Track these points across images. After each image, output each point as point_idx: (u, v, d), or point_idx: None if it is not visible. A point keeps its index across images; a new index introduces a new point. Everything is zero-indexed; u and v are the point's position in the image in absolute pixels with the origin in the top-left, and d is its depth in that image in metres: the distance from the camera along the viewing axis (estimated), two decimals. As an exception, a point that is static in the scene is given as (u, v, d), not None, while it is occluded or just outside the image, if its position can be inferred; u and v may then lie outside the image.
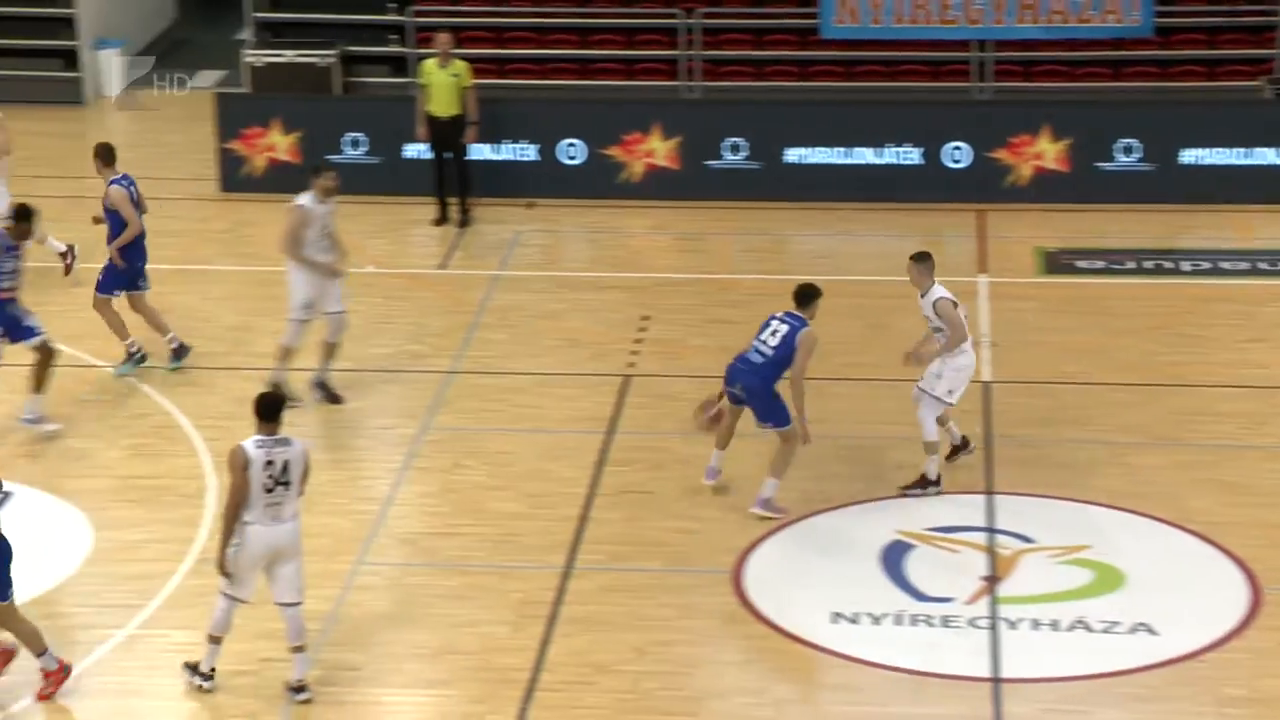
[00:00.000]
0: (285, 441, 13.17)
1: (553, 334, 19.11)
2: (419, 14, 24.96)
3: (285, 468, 13.13)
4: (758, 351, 15.47)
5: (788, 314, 15.51)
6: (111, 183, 17.81)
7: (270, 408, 13.20)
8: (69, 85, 25.15)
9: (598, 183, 22.40)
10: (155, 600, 14.51)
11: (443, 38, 21.42)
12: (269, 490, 13.11)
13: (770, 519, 15.55)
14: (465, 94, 21.22)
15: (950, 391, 15.82)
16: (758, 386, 15.44)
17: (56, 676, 13.38)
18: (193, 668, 13.56)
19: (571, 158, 22.50)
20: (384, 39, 25.23)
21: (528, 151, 22.46)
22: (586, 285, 20.26)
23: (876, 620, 14.35)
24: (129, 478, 16.15)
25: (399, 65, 25.11)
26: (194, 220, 21.65)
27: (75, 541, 15.27)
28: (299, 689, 13.42)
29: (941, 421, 16.03)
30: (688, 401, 16.79)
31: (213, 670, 13.52)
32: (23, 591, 14.24)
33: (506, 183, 22.21)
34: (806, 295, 15.53)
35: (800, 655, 14.02)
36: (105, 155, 17.92)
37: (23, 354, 16.92)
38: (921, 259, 15.76)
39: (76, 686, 13.46)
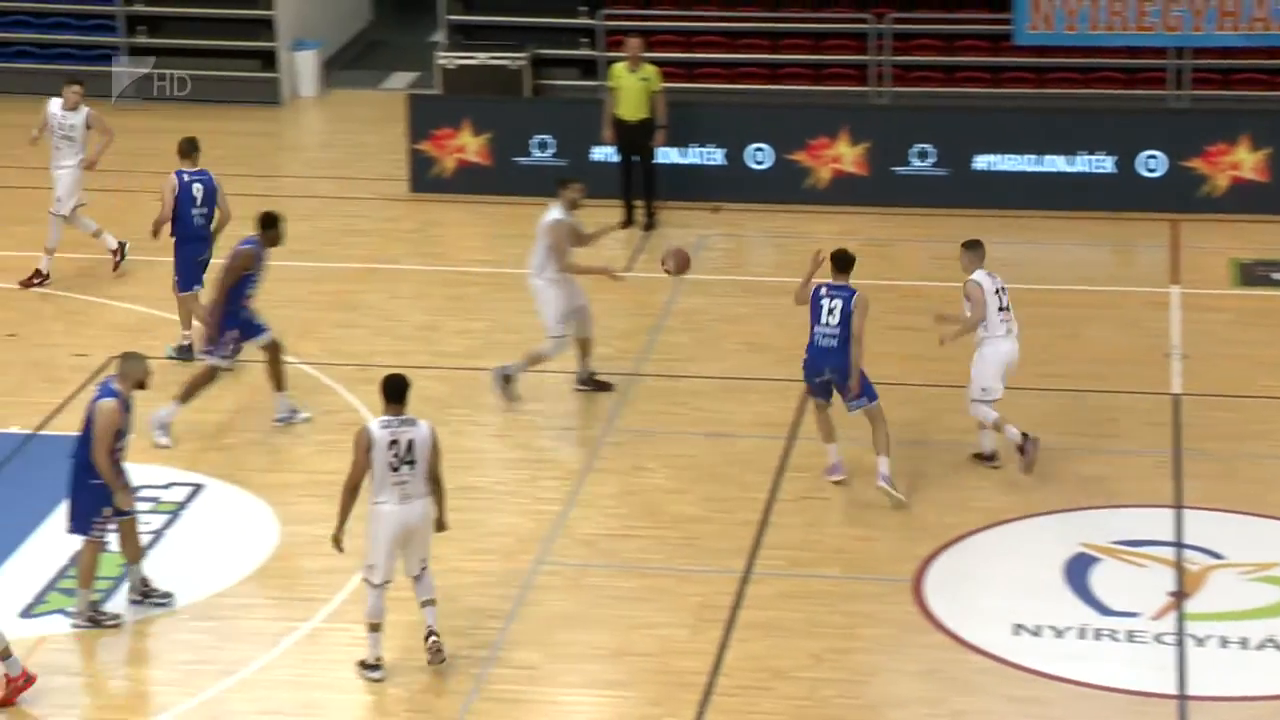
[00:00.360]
0: (410, 422, 13.38)
1: (736, 338, 19.05)
2: (609, 17, 25.03)
3: (410, 447, 13.34)
4: (826, 338, 15.76)
5: (831, 287, 15.74)
6: (175, 173, 18.05)
7: (395, 389, 13.41)
8: (267, 85, 25.51)
9: (784, 188, 22.31)
10: (339, 595, 14.64)
11: (633, 42, 21.44)
12: (394, 469, 13.33)
13: (896, 496, 15.56)
14: (654, 98, 21.22)
15: (984, 390, 16.04)
16: (847, 365, 15.68)
17: (16, 684, 13.27)
18: (363, 665, 13.69)
19: (759, 162, 22.44)
20: (575, 42, 25.34)
21: (715, 155, 22.42)
22: (771, 290, 20.18)
23: (1059, 634, 14.13)
24: (316, 473, 16.32)
25: (589, 68, 25.19)
26: (383, 220, 21.86)
27: (263, 535, 15.46)
28: (431, 634, 13.73)
29: (997, 426, 16.08)
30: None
31: (379, 659, 13.67)
32: (212, 583, 14.49)
33: (693, 186, 22.19)
34: (845, 262, 15.83)
35: (980, 667, 13.85)
36: (181, 148, 18.19)
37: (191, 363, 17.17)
38: (972, 246, 16.24)
39: (262, 678, 13.62)
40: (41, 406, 17.26)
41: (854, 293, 15.74)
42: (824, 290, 15.84)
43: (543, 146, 22.55)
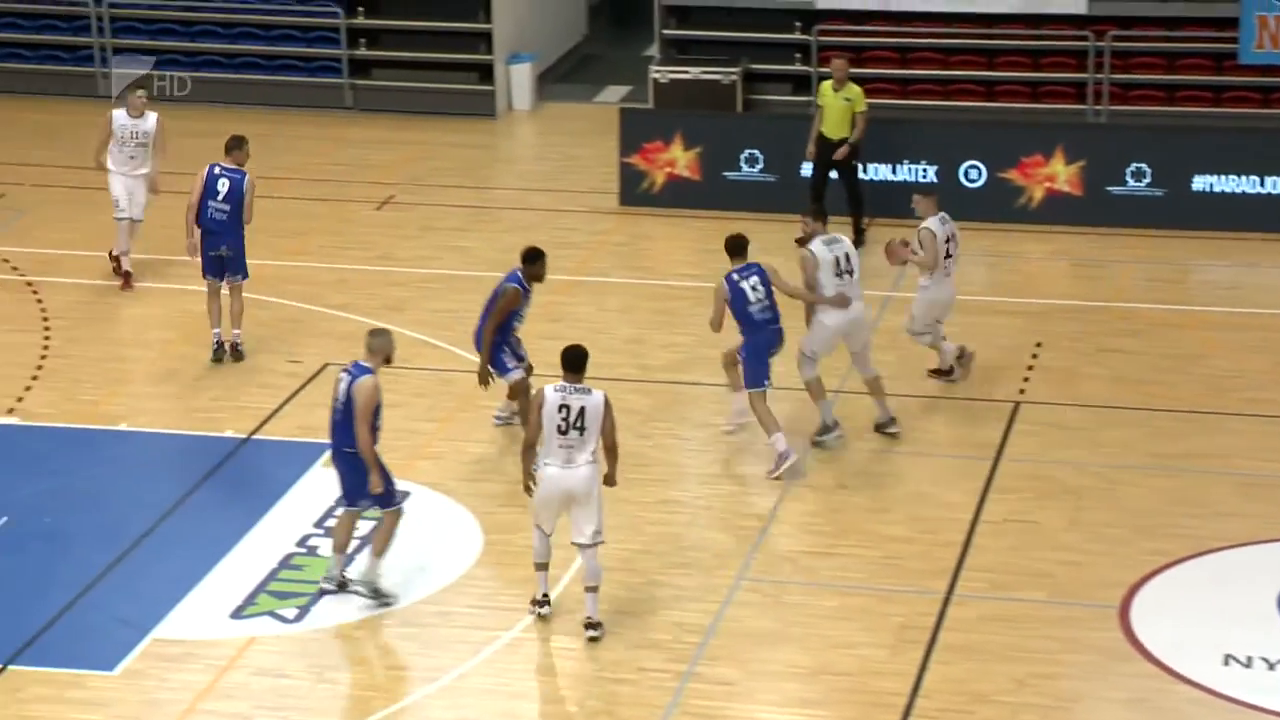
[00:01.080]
0: (585, 391, 13.95)
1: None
2: (823, 33, 24.92)
3: (580, 414, 13.83)
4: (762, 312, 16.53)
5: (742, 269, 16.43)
6: (209, 165, 18.42)
7: (573, 359, 14.04)
8: (483, 98, 25.73)
9: (996, 206, 22.03)
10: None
11: (837, 63, 21.32)
12: (562, 433, 13.90)
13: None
14: (857, 118, 21.08)
15: (913, 318, 17.71)
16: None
17: None
18: (533, 601, 14.36)
19: (971, 180, 22.18)
20: (789, 57, 25.26)
21: (927, 173, 22.20)
22: (980, 309, 19.92)
23: (1272, 666, 13.77)
24: (519, 483, 16.35)
25: (802, 84, 25.11)
26: (592, 233, 21.93)
27: (467, 544, 15.56)
28: (591, 625, 14.13)
29: (935, 346, 17.73)
30: (1077, 430, 16.34)
31: (545, 595, 14.33)
32: (415, 590, 14.61)
33: (906, 203, 21.97)
34: (739, 246, 16.58)
35: (1189, 697, 13.53)
36: (226, 144, 18.53)
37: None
38: (927, 192, 17.87)
39: (462, 686, 13.70)
40: (256, 412, 17.53)
41: (761, 268, 16.48)
42: (736, 276, 16.37)
43: (752, 161, 22.48)
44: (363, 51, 25.84)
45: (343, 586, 14.70)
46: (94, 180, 22.27)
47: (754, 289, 16.38)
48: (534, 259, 16.44)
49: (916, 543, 15.47)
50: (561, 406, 13.87)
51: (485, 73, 25.78)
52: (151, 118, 20.15)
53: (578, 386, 13.95)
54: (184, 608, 14.57)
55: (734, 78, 24.64)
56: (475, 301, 19.67)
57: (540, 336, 19.09)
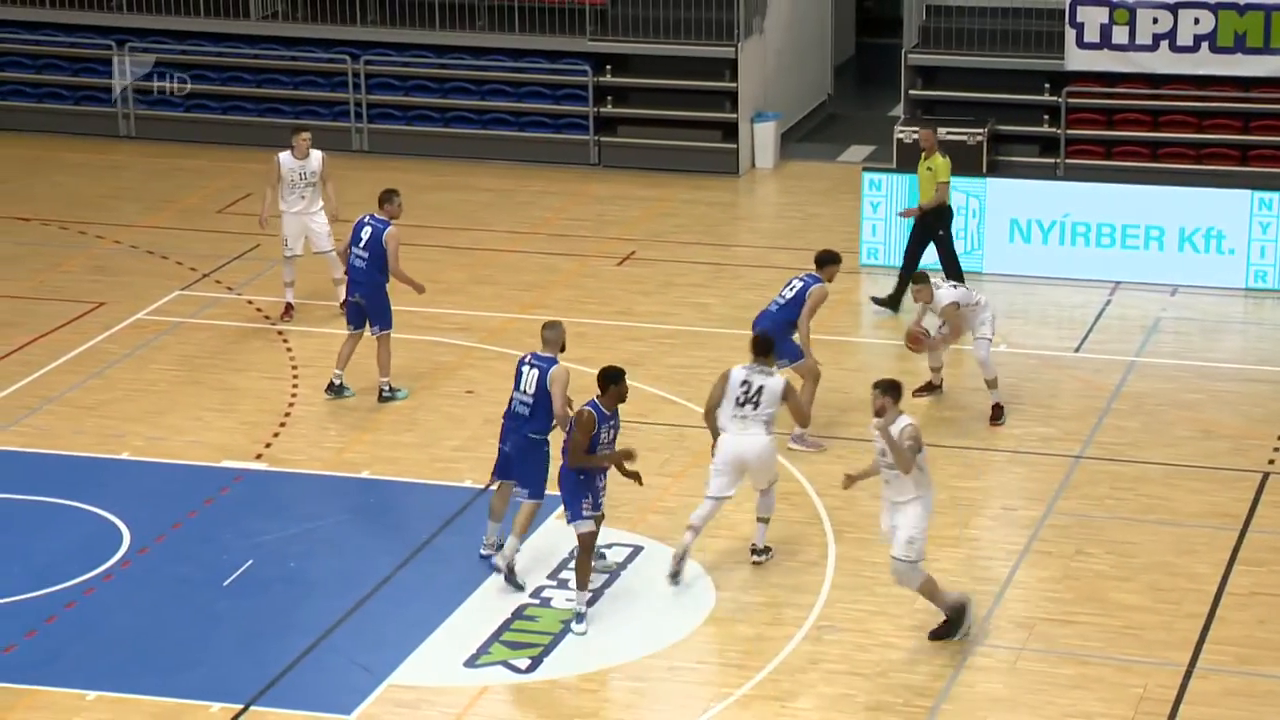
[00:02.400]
0: (767, 372, 15.66)
1: (1188, 424, 18.41)
2: (1072, 95, 24.61)
3: (759, 391, 15.52)
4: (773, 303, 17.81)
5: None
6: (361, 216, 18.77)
7: (761, 345, 15.90)
8: (726, 156, 25.80)
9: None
10: (770, 663, 14.59)
11: (925, 133, 21.19)
12: (739, 404, 15.58)
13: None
14: (939, 188, 20.78)
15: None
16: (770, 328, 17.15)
17: None
18: (675, 557, 15.50)
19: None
20: (1037, 119, 24.99)
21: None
22: (1228, 376, 19.47)
23: None
24: (749, 540, 16.32)
25: (1050, 145, 24.83)
26: (832, 292, 21.75)
27: (698, 599, 15.51)
28: (758, 551, 15.83)
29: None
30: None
31: (686, 550, 15.50)
32: (645, 644, 14.61)
33: (1147, 267, 21.65)
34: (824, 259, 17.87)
35: None
36: (379, 196, 18.80)
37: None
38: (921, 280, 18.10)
39: (688, 741, 13.65)
40: (491, 464, 17.66)
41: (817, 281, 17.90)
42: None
43: (999, 223, 22.24)
44: (609, 109, 26.06)
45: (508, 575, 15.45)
46: (345, 233, 22.74)
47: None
48: (614, 379, 15.09)
49: (1158, 613, 15.11)
50: (744, 382, 15.58)
51: (729, 131, 25.85)
52: (316, 157, 20.69)
53: (762, 368, 15.64)
54: (419, 655, 14.70)
55: (980, 138, 24.43)
56: (713, 359, 19.79)
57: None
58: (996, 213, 22.17)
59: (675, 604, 15.42)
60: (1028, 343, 20.36)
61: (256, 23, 26.88)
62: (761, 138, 25.95)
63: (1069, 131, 24.65)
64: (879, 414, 14.51)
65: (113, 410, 18.84)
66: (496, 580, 15.62)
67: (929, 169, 20.99)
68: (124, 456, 17.90)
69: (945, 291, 18.15)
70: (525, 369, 15.58)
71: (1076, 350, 20.24)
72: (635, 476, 15.21)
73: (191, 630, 15.10)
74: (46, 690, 14.17)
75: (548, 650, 14.77)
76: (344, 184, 25.21)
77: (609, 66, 26.02)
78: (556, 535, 16.23)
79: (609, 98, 26.06)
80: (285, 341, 20.46)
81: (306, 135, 20.78)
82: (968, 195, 22.26)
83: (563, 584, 15.62)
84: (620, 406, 15.21)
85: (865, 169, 23.11)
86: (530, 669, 14.60)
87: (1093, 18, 24.40)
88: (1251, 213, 21.53)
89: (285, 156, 20.65)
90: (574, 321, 20.78)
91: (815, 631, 14.95)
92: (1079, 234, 21.95)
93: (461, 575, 15.72)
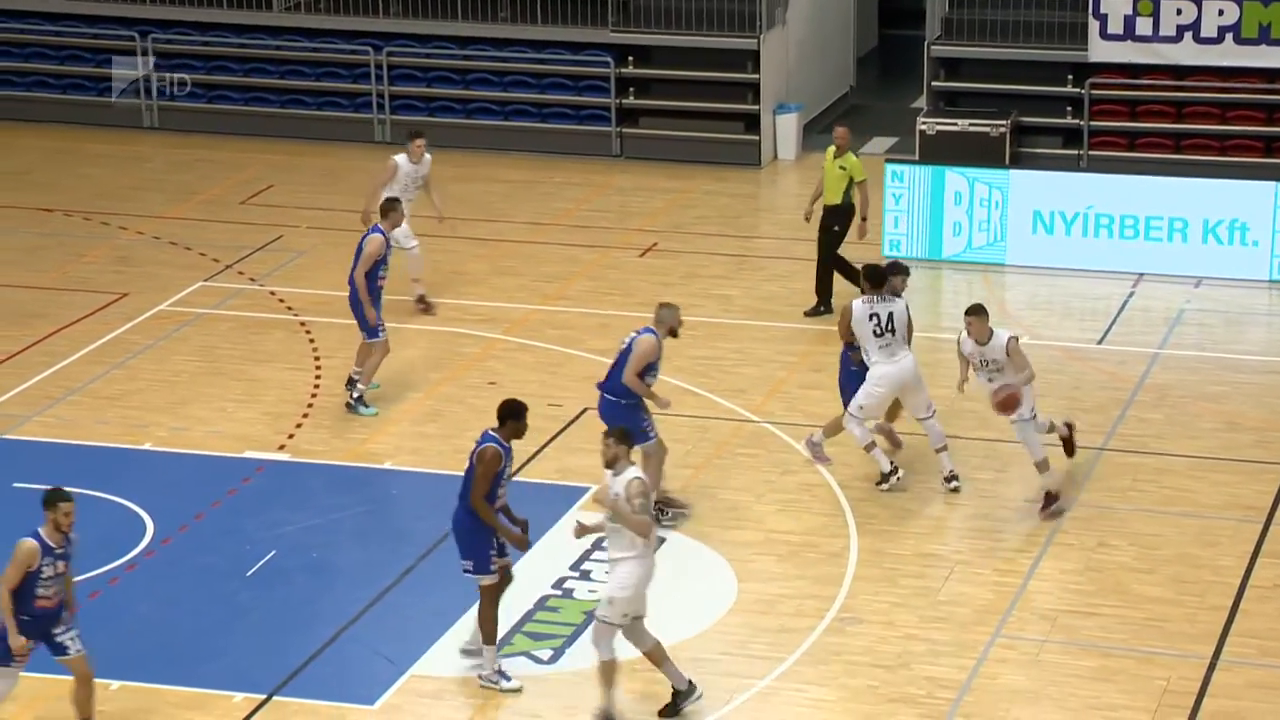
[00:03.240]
0: (887, 299, 16.54)
1: (1211, 416, 18.37)
2: (1096, 87, 24.55)
3: (890, 318, 16.50)
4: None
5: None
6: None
7: (876, 275, 16.66)
8: (748, 147, 25.77)
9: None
10: (793, 655, 14.59)
11: (839, 131, 20.93)
12: (878, 335, 16.52)
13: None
14: (856, 188, 20.56)
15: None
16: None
17: None
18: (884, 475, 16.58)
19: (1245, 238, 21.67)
20: (1060, 110, 24.93)
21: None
22: (1252, 368, 19.42)
23: None
24: (774, 532, 16.33)
25: (1073, 137, 24.76)
26: (854, 284, 21.76)
27: (720, 591, 15.51)
28: (952, 478, 16.74)
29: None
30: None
31: (894, 467, 16.67)
32: (668, 636, 14.60)
33: (1170, 259, 21.60)
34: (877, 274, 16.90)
35: None
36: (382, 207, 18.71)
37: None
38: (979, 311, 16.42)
39: (711, 732, 13.67)
40: (517, 454, 17.61)
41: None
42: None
43: (1019, 214, 22.22)
44: (631, 100, 26.04)
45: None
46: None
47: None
48: (517, 414, 14.44)
49: (1181, 605, 15.08)
50: (872, 315, 16.53)
51: (751, 122, 25.82)
52: (428, 161, 20.52)
53: (881, 297, 16.53)
54: (442, 645, 14.72)
55: (1003, 130, 24.38)
56: (735, 350, 19.78)
57: (800, 386, 19.06)
58: (1020, 204, 22.13)
59: (698, 595, 15.42)
60: (1051, 334, 20.32)
61: (279, 14, 26.89)
62: (784, 129, 25.91)
63: (1092, 123, 24.58)
64: (609, 465, 13.46)
65: (136, 400, 18.87)
66: (518, 572, 15.60)
67: (842, 167, 20.60)
68: (147, 447, 17.94)
69: (1001, 332, 16.36)
70: (631, 334, 16.05)
71: (1099, 342, 20.20)
72: (520, 543, 14.21)
73: (215, 620, 15.13)
74: (70, 680, 14.19)
75: (570, 641, 14.77)
76: (365, 175, 25.24)
77: (631, 58, 26.00)
78: (579, 526, 16.23)
79: (631, 89, 26.03)
80: (308, 332, 20.47)
81: (422, 140, 20.51)
82: (990, 187, 22.23)
83: (585, 575, 15.64)
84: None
85: (887, 161, 23.07)
86: (552, 660, 14.61)
87: (1116, 9, 24.34)
88: (1276, 204, 21.46)
89: (402, 160, 20.39)
90: (596, 313, 20.83)
91: (838, 623, 14.95)
92: (1102, 226, 21.90)
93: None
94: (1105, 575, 15.59)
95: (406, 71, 26.54)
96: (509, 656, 14.58)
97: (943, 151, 24.02)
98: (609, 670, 13.57)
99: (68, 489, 13.32)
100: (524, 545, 14.26)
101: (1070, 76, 24.80)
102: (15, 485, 17.02)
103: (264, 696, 14.07)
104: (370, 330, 18.27)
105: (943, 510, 16.77)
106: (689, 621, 15.01)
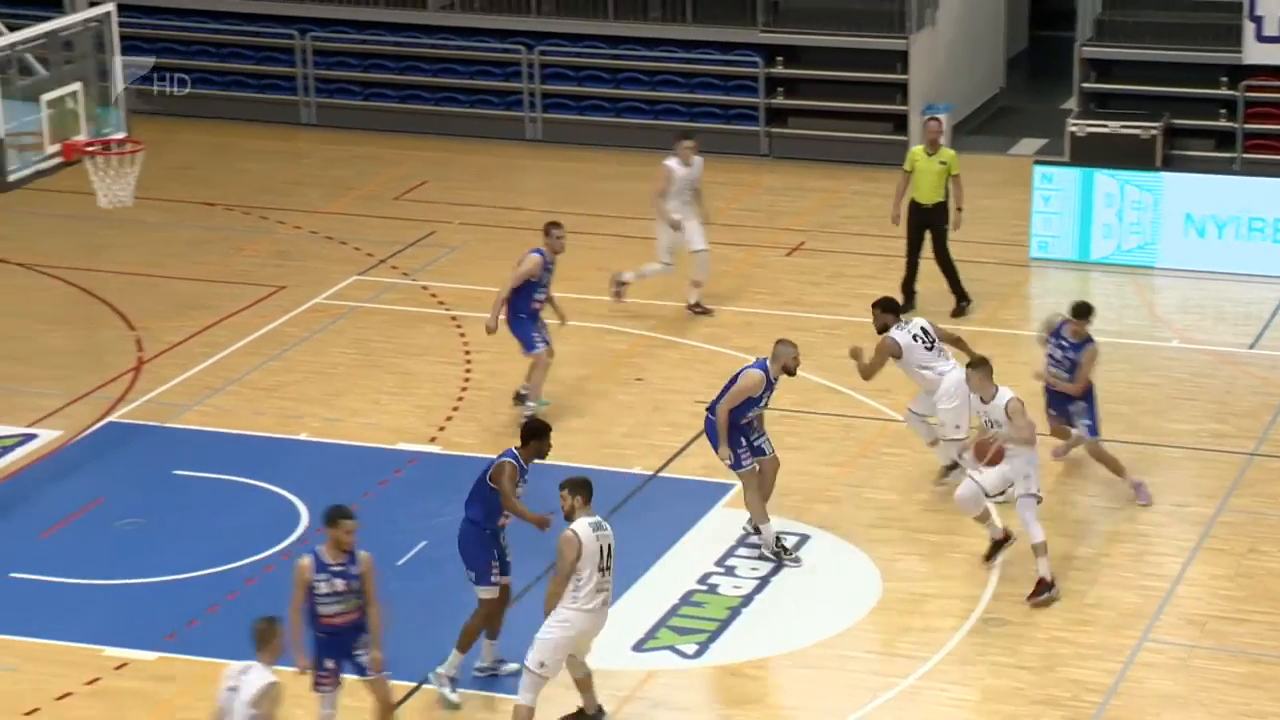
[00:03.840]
0: (905, 322, 16.35)
1: (1366, 422, 18.04)
2: (1250, 89, 24.16)
3: (924, 332, 16.39)
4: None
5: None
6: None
7: (896, 306, 16.75)
8: (896, 148, 25.55)
9: None
10: (938, 654, 14.47)
11: (932, 125, 20.62)
12: (929, 349, 16.40)
13: None
14: (952, 182, 20.27)
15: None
16: None
17: None
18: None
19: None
20: (1213, 113, 24.56)
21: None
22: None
23: None
24: (919, 531, 16.20)
25: (1225, 140, 24.38)
26: (1001, 284, 21.58)
27: (865, 589, 15.42)
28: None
29: (983, 518, 15.40)
30: None
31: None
32: (813, 632, 14.55)
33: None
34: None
35: None
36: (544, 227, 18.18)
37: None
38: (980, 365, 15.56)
39: (854, 730, 13.59)
40: (663, 450, 17.68)
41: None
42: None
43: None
44: (780, 100, 25.95)
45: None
46: (521, 220, 22.92)
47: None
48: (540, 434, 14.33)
49: (1333, 613, 14.82)
50: (914, 336, 16.41)
51: (900, 123, 25.64)
52: (698, 164, 20.17)
53: (909, 323, 16.57)
54: (586, 637, 14.72)
55: (1154, 132, 24.05)
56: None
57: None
58: (1172, 207, 21.81)
59: (844, 593, 15.33)
60: (1203, 339, 20.01)
61: (434, 13, 27.06)
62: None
63: (1246, 126, 24.19)
64: (568, 517, 13.17)
65: (291, 392, 19.06)
66: (664, 567, 15.61)
67: (941, 162, 20.37)
68: (302, 437, 18.11)
69: (1005, 391, 15.35)
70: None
71: (1251, 347, 19.87)
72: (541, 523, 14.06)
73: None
74: (227, 663, 14.34)
75: (715, 636, 14.74)
76: (517, 173, 25.42)
77: (780, 58, 25.91)
78: (725, 522, 16.20)
79: (780, 89, 25.95)
80: (459, 327, 20.58)
81: (691, 142, 20.21)
82: (1141, 189, 21.93)
83: (729, 571, 15.60)
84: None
85: (1036, 162, 22.83)
86: (697, 654, 14.58)
87: (1273, 10, 23.92)
88: None
89: (674, 164, 20.16)
90: (743, 311, 20.78)
91: (983, 624, 14.81)
92: (1255, 229, 21.54)
93: (630, 561, 15.69)
94: (1256, 581, 15.32)
95: (558, 70, 26.61)
96: (654, 650, 14.57)
97: (1093, 153, 23.73)
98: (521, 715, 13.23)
99: (346, 507, 12.97)
100: (545, 525, 14.06)
101: (1224, 79, 24.42)
102: (175, 473, 17.25)
103: (415, 684, 14.15)
104: (527, 344, 18.15)
105: (1089, 514, 16.57)
106: (834, 619, 14.94)
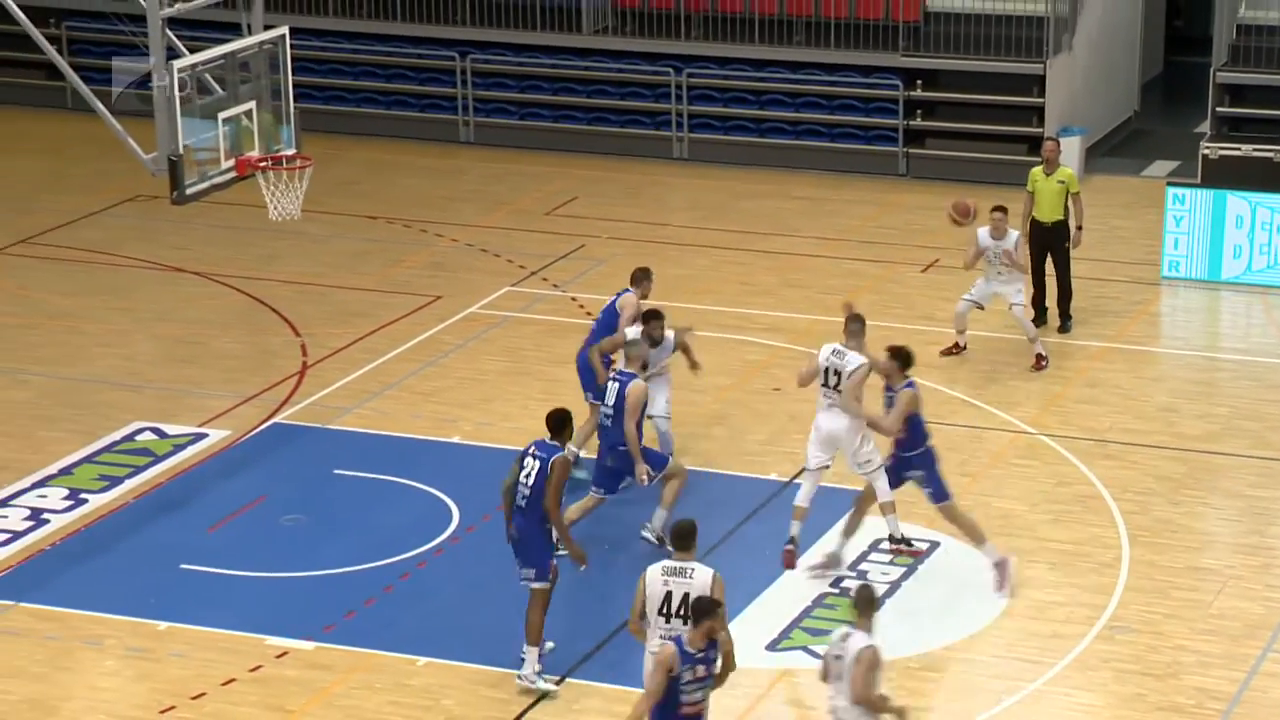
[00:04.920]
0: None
1: None
2: (1379, 113, 23.78)
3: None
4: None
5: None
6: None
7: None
8: (1030, 169, 25.39)
9: None
10: (1063, 660, 14.36)
11: (1049, 145, 20.37)
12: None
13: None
14: (1072, 200, 19.96)
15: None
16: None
17: None
18: None
19: None
20: (1347, 137, 24.20)
21: None
22: None
23: None
24: (1046, 540, 16.09)
25: (1356, 162, 24.01)
26: (1132, 302, 21.38)
27: (993, 595, 15.31)
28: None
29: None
30: None
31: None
32: (941, 636, 14.49)
33: None
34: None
35: None
36: (634, 276, 17.37)
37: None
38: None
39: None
40: (799, 458, 17.60)
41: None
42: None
43: (1298, 238, 21.57)
44: (919, 122, 25.86)
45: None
46: (666, 236, 23.07)
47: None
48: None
49: None
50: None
51: (1035, 145, 25.40)
52: (1013, 236, 19.34)
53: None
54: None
55: (1285, 155, 23.73)
56: (1013, 364, 19.49)
57: (1077, 400, 18.76)
58: (1301, 229, 21.53)
59: (972, 598, 15.26)
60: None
61: (588, 36, 27.22)
62: (1067, 151, 25.40)
63: (1377, 147, 23.83)
64: None
65: (446, 396, 19.26)
66: (798, 570, 15.61)
67: (1060, 182, 20.07)
68: (455, 440, 18.29)
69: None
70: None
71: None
72: (580, 559, 14.20)
73: (512, 605, 15.34)
74: (382, 654, 14.56)
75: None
76: (663, 190, 25.51)
77: (919, 81, 25.83)
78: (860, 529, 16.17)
79: (918, 111, 25.86)
80: (606, 337, 20.68)
81: (1000, 214, 19.30)
82: (1273, 211, 21.64)
83: (861, 575, 15.56)
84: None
85: (1169, 183, 22.60)
86: (829, 655, 14.54)
87: (1404, 37, 23.55)
88: None
89: (983, 232, 19.38)
90: (877, 325, 20.64)
91: (1108, 631, 14.69)
92: (1382, 251, 21.20)
93: (766, 563, 15.74)
94: (1378, 595, 15.09)
95: (705, 92, 26.68)
96: (787, 650, 14.58)
97: (1225, 176, 23.41)
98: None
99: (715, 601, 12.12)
100: (583, 560, 14.20)
101: (1359, 105, 24.05)
102: (335, 472, 17.49)
103: (558, 678, 14.25)
104: (595, 394, 17.00)
105: (1215, 525, 16.38)
106: (962, 624, 14.88)
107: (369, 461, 17.78)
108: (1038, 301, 20.46)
